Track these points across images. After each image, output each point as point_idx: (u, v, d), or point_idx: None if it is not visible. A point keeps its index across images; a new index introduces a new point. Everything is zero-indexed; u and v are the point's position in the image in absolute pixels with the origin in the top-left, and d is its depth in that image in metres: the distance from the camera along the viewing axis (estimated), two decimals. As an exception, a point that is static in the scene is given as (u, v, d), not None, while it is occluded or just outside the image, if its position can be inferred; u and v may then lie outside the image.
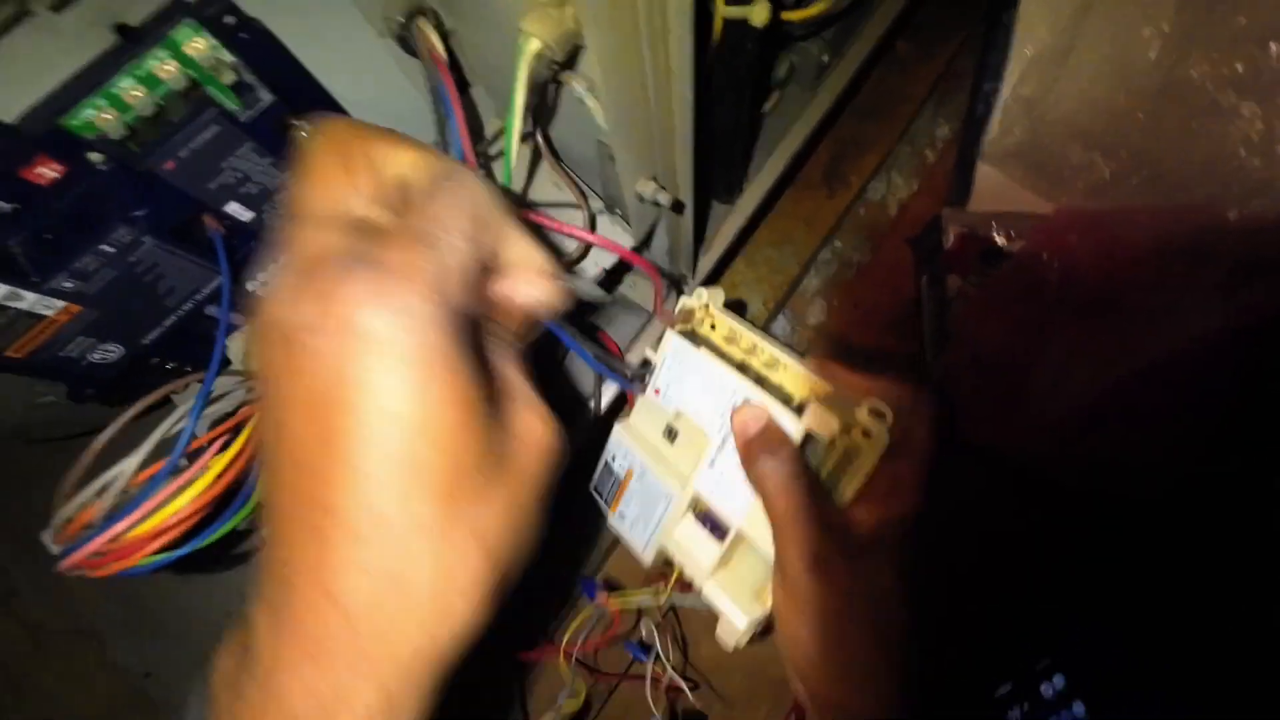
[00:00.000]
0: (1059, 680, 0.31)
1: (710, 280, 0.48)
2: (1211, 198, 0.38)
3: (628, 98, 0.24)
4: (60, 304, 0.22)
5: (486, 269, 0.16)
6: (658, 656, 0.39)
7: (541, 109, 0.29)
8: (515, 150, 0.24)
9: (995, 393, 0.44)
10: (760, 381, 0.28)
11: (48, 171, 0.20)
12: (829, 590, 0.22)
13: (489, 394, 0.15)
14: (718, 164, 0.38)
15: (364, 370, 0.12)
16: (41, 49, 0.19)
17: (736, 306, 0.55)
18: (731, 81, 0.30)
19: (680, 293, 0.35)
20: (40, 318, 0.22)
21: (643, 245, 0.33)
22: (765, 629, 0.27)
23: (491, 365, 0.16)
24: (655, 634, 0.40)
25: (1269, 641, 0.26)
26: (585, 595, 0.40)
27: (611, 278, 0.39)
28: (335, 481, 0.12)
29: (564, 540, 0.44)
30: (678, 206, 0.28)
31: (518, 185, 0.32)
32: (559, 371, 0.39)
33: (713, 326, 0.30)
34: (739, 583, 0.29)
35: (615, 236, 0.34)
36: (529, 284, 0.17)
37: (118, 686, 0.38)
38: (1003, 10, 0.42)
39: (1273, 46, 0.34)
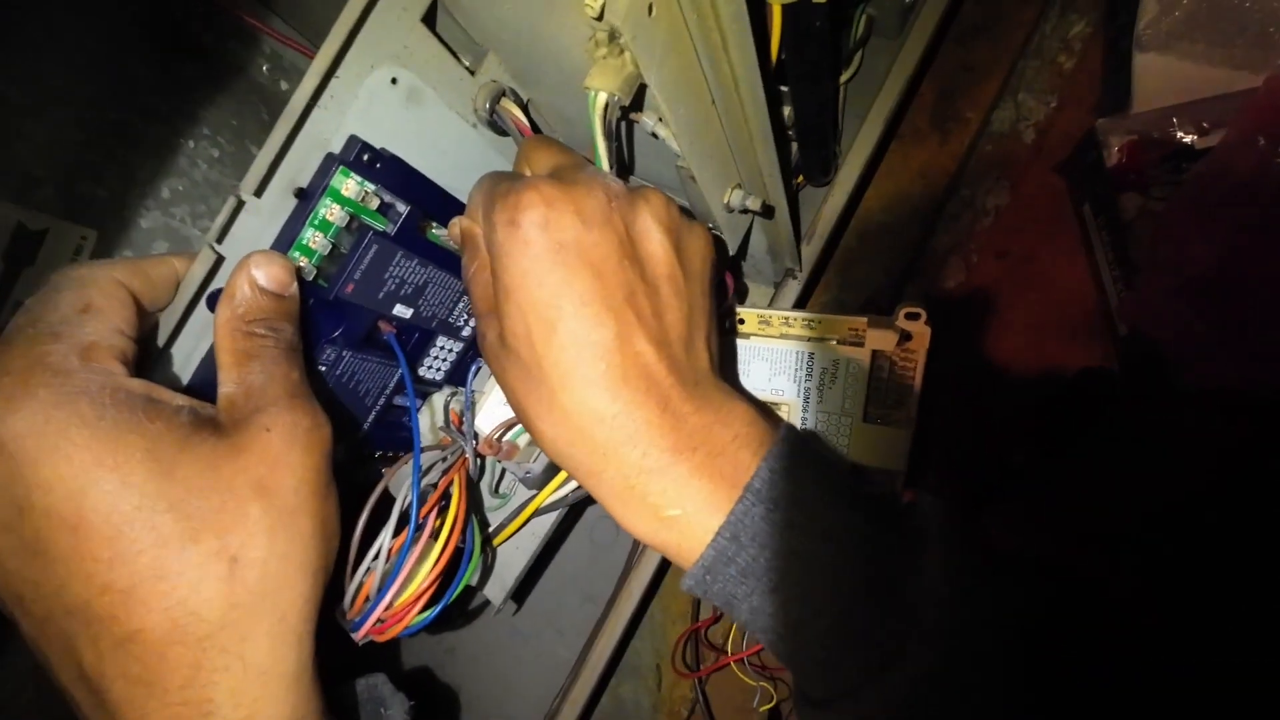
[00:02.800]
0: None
1: (822, 264, 0.45)
2: None
3: (698, 118, 0.24)
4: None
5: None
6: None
7: (621, 145, 0.30)
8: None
9: (1216, 323, 0.36)
10: (809, 341, 0.33)
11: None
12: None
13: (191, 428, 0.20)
14: (807, 148, 0.36)
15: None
16: (252, 225, 0.25)
17: (858, 285, 0.52)
18: (807, 68, 0.29)
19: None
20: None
21: (739, 253, 0.33)
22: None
23: (240, 381, 0.22)
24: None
25: None
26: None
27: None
28: None
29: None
30: (768, 211, 0.27)
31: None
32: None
33: (741, 321, 0.34)
34: None
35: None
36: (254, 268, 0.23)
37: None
38: None
39: None
